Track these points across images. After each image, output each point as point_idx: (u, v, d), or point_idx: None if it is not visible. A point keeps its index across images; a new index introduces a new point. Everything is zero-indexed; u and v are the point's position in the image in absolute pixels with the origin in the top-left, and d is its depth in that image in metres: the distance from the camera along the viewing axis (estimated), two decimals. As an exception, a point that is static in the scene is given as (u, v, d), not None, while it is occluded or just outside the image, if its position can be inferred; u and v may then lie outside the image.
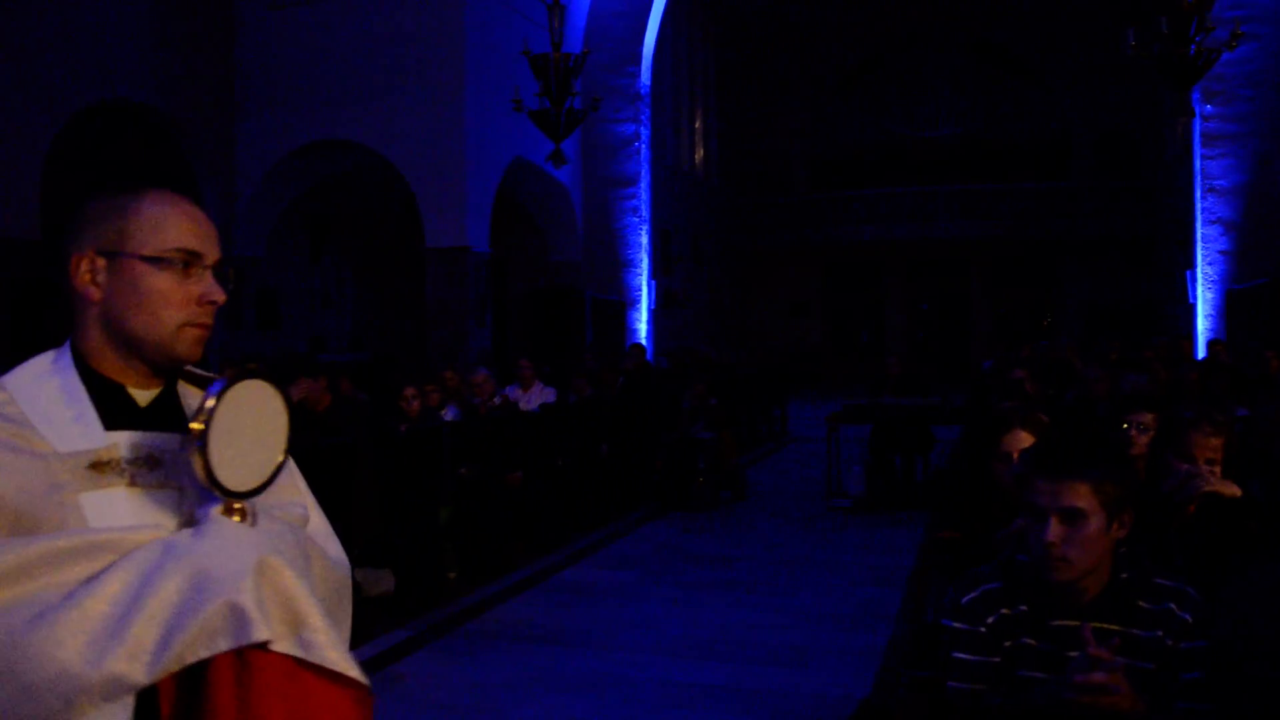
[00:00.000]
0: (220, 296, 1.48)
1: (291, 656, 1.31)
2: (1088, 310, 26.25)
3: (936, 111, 27.43)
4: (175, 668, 1.25)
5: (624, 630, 6.13)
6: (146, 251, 1.44)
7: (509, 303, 18.84)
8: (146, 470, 1.44)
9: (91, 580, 1.26)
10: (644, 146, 18.47)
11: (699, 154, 25.05)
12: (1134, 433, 3.82)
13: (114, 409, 1.46)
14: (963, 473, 4.08)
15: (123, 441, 1.44)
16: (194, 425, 1.31)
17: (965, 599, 2.26)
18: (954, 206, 26.35)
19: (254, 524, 1.37)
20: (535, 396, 9.64)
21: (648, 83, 18.63)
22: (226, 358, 12.61)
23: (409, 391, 7.53)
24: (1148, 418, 3.82)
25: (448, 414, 8.14)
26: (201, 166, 14.46)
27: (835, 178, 28.12)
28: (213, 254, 1.49)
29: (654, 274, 19.08)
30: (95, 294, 1.45)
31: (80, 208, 1.49)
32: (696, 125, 24.82)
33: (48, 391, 1.43)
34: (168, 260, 1.45)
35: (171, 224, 1.46)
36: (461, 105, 14.00)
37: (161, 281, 1.44)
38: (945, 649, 2.28)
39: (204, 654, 1.26)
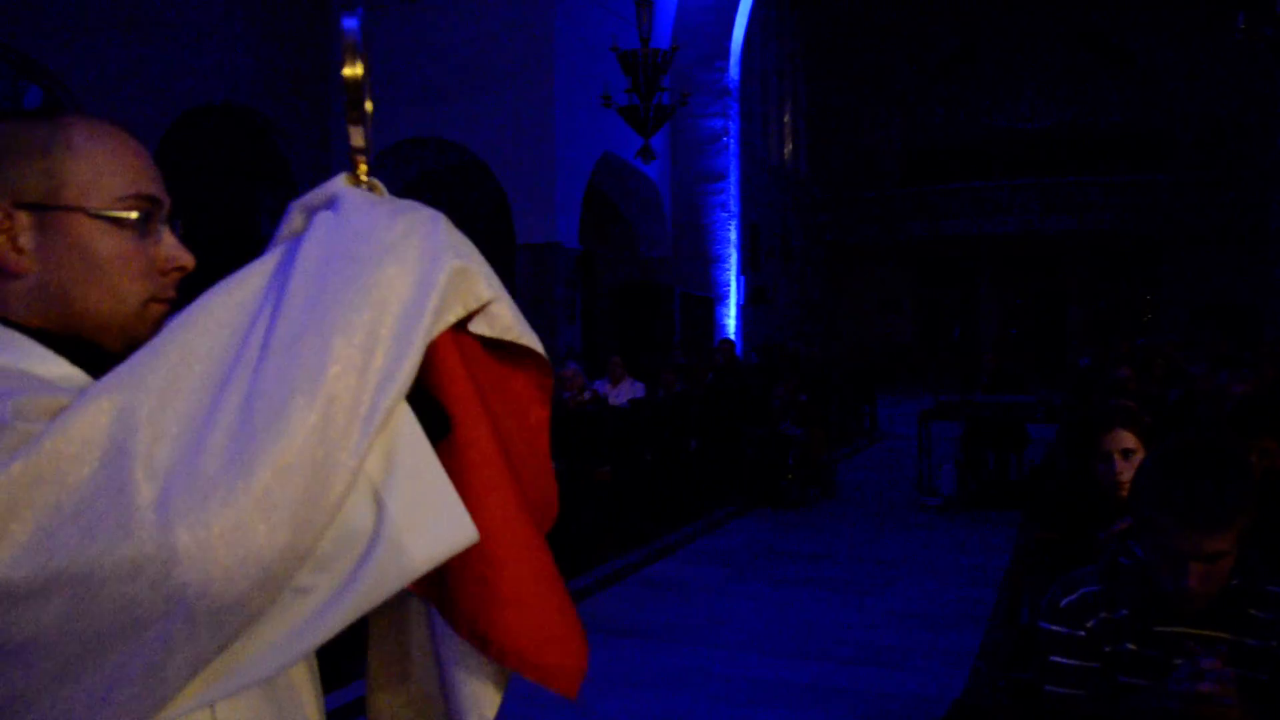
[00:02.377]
0: (189, 260, 1.11)
1: (479, 335, 1.09)
2: (1190, 307, 25.43)
3: (1031, 102, 26.85)
4: (420, 356, 0.96)
5: (711, 627, 6.13)
6: (94, 204, 1.04)
7: (598, 298, 18.92)
8: None
9: (268, 330, 0.92)
10: (732, 141, 18.40)
11: (788, 148, 24.88)
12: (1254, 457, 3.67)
13: (95, 368, 1.04)
14: (1061, 472, 3.99)
15: None
16: (352, 71, 1.06)
17: (1064, 601, 2.21)
18: (1048, 200, 25.77)
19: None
20: (624, 391, 9.68)
21: (736, 77, 18.55)
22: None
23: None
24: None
25: (538, 409, 8.21)
26: (299, 166, 14.78)
27: (927, 171, 27.70)
28: (167, 201, 1.11)
29: (743, 269, 19.00)
30: (20, 263, 1.03)
31: None
32: (785, 119, 24.64)
33: (6, 357, 1.01)
34: (124, 214, 1.06)
35: (120, 162, 1.07)
36: (551, 102, 14.09)
37: (117, 243, 1.05)
38: (1043, 652, 2.23)
39: (441, 328, 1.00)
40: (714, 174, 18.21)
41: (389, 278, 0.95)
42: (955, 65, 27.86)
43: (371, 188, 1.08)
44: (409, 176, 16.36)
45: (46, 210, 1.03)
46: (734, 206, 18.37)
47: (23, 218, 1.03)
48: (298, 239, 0.99)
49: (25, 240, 1.03)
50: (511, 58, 14.18)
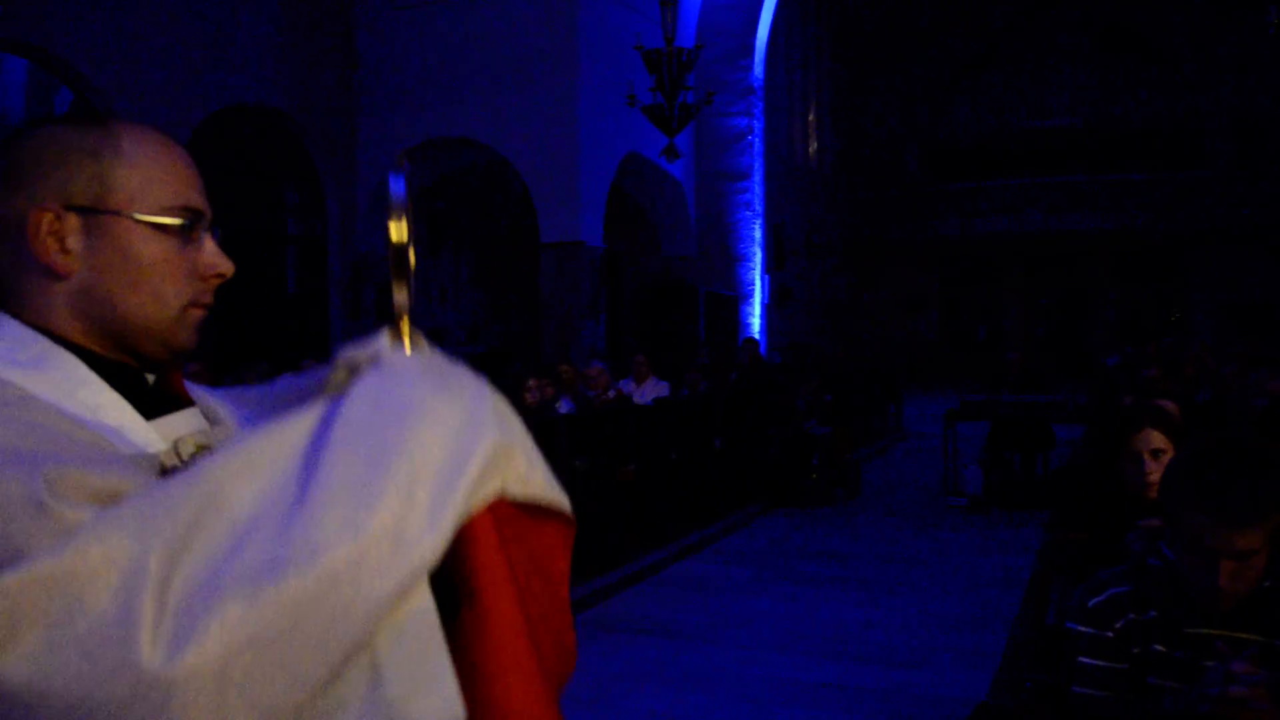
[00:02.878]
0: (229, 267, 1.14)
1: (508, 496, 1.06)
2: (1219, 306, 25.17)
3: (1057, 98, 26.64)
4: (454, 530, 0.95)
5: (736, 626, 6.12)
6: (141, 211, 1.07)
7: (622, 297, 18.92)
8: None
9: (305, 482, 0.90)
10: (757, 140, 18.36)
11: (812, 146, 24.81)
12: None
13: (137, 397, 1.10)
14: (1088, 472, 3.96)
15: (167, 435, 1.09)
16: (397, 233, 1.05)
17: (1092, 602, 2.20)
18: (1075, 198, 25.57)
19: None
20: (649, 390, 9.68)
21: (761, 76, 18.51)
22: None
23: (532, 382, 7.63)
24: None
25: (562, 407, 8.23)
26: (325, 165, 14.87)
27: (953, 169, 27.55)
28: (209, 211, 1.15)
29: (767, 268, 18.96)
30: (67, 265, 1.05)
31: (16, 145, 1.07)
32: (810, 118, 24.57)
33: (49, 383, 1.03)
34: (167, 222, 1.08)
35: (168, 172, 1.10)
36: (575, 101, 14.11)
37: (161, 249, 1.08)
38: (1070, 653, 2.22)
39: (477, 505, 0.99)
40: (739, 172, 18.17)
41: (428, 450, 0.94)
42: (980, 62, 27.69)
43: (414, 342, 1.08)
44: (434, 176, 16.43)
45: (95, 214, 1.05)
46: (758, 205, 18.34)
47: (72, 220, 1.04)
48: (338, 399, 0.98)
49: (73, 242, 1.05)
50: (536, 57, 14.20)
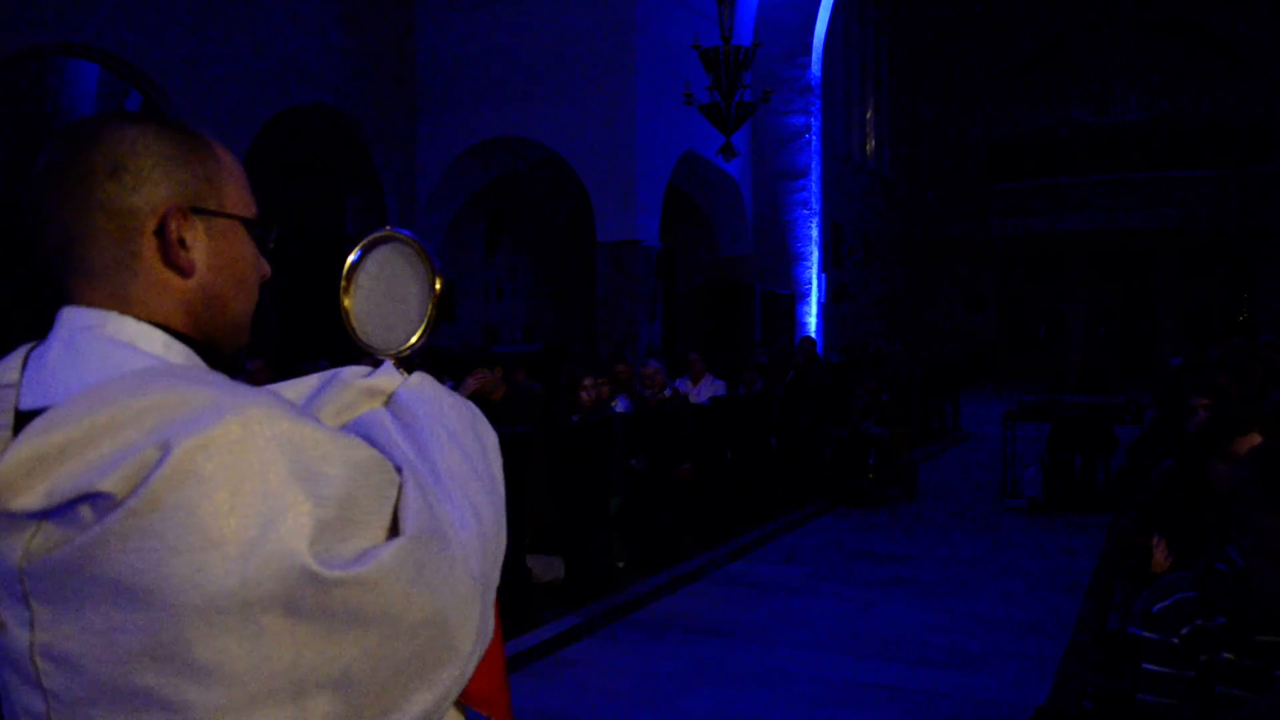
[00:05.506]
0: (269, 271, 1.18)
1: None
2: (1289, 305, 24.60)
3: (1123, 95, 26.15)
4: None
5: (791, 626, 6.10)
6: (244, 211, 1.11)
7: (678, 295, 18.92)
8: None
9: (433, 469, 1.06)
10: (814, 138, 18.26)
11: (870, 144, 24.61)
12: None
13: None
14: (1165, 474, 3.87)
15: None
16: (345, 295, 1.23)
17: (1157, 607, 2.16)
18: (1138, 195, 25.10)
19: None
20: (705, 389, 9.67)
21: (818, 74, 18.40)
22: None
23: (588, 381, 7.65)
24: None
25: (618, 406, 8.24)
26: (384, 165, 15.04)
27: (1014, 167, 27.19)
28: None
29: (824, 267, 18.85)
30: (190, 263, 1.06)
31: (111, 139, 1.04)
32: (868, 115, 24.38)
33: None
34: (262, 229, 1.14)
35: (245, 182, 1.14)
36: (633, 100, 14.13)
37: (254, 254, 1.13)
38: (1134, 660, 2.18)
39: None
40: (795, 171, 18.09)
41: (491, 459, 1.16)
42: (1041, 58, 27.27)
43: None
44: (491, 176, 16.54)
45: (214, 216, 1.07)
46: (815, 204, 18.24)
47: (195, 220, 1.06)
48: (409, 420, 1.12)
49: (194, 241, 1.06)
50: (593, 56, 14.24)
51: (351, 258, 1.22)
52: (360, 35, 14.30)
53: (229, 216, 1.08)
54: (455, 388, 7.60)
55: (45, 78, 12.90)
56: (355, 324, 1.22)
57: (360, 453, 0.95)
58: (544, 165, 16.00)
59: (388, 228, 1.24)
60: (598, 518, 6.89)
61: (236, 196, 1.10)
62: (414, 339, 1.21)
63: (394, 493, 0.96)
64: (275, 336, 13.81)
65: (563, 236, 19.51)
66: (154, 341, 1.03)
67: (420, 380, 1.16)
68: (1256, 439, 3.07)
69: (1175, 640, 2.11)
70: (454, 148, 15.27)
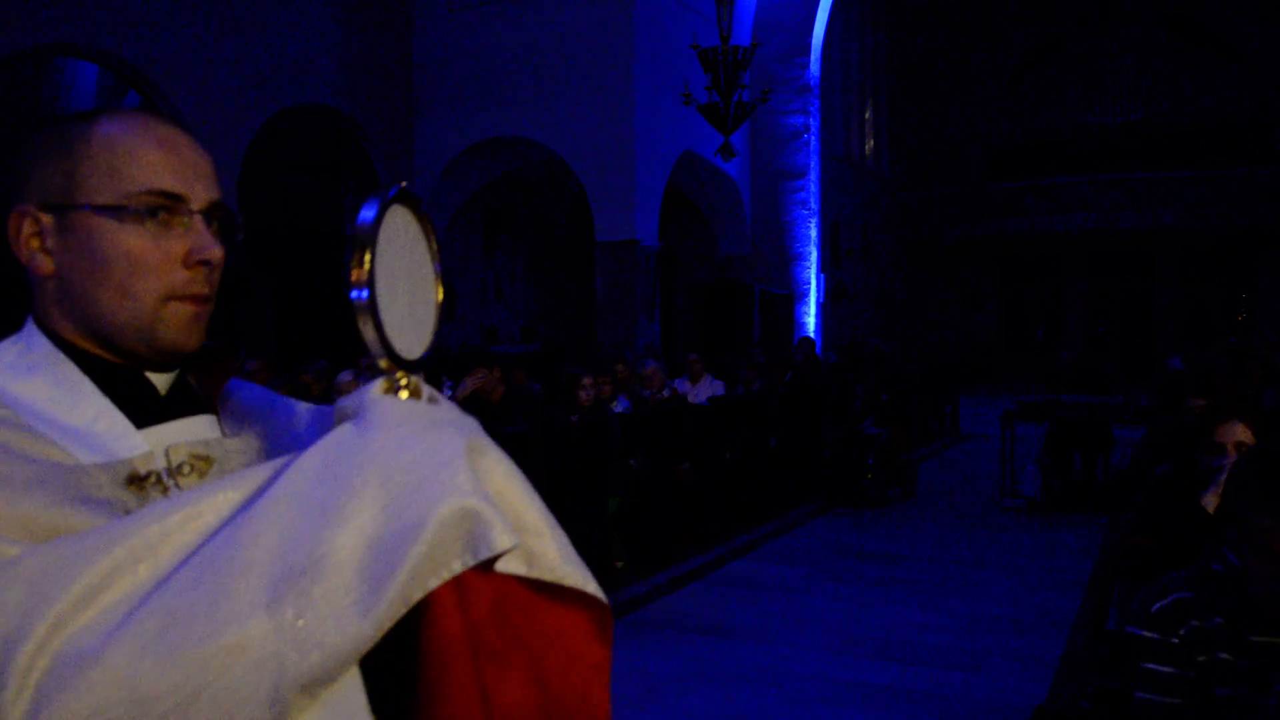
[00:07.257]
0: (214, 252, 1.05)
1: (516, 575, 0.95)
2: (1288, 306, 24.59)
3: (1121, 94, 26.13)
4: (397, 615, 0.85)
5: (790, 626, 6.10)
6: (102, 199, 1.01)
7: (677, 296, 18.91)
8: (197, 477, 1.04)
9: (227, 543, 0.85)
10: (813, 138, 18.26)
11: (869, 144, 24.61)
12: None
13: (133, 401, 1.05)
14: (1157, 475, 3.89)
15: (160, 442, 1.04)
16: (357, 271, 0.95)
17: (1155, 607, 2.16)
18: (1137, 195, 25.07)
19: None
20: (704, 389, 9.68)
21: (817, 73, 18.40)
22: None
23: (587, 381, 7.66)
24: None
25: (618, 406, 8.25)
26: (382, 164, 15.04)
27: (1012, 167, 27.16)
28: (201, 195, 1.05)
29: (823, 267, 18.86)
30: (46, 264, 1.03)
31: (23, 148, 1.06)
32: (867, 115, 24.38)
33: (36, 388, 1.01)
34: (132, 209, 1.01)
35: (136, 156, 1.02)
36: (631, 100, 14.13)
37: (128, 239, 1.01)
38: (1133, 659, 2.18)
39: (433, 584, 0.86)
40: (794, 171, 18.09)
41: (364, 518, 0.85)
42: (1042, 58, 27.25)
43: (409, 387, 0.97)
44: (490, 176, 16.54)
45: (63, 210, 1.02)
46: (814, 204, 18.24)
47: (46, 219, 1.03)
48: (295, 456, 0.91)
49: (50, 242, 1.03)
50: (592, 56, 14.25)
51: (366, 215, 0.96)
52: (359, 35, 14.31)
53: (76, 208, 1.01)
54: (454, 388, 7.61)
55: (45, 78, 12.90)
56: (381, 318, 0.96)
57: None
58: (543, 165, 16.01)
59: (403, 184, 1.01)
60: (597, 517, 6.90)
61: (100, 182, 1.01)
62: (427, 345, 1.02)
63: None
64: (274, 336, 13.82)
65: (561, 237, 19.52)
66: (35, 352, 1.04)
67: None
68: (1239, 428, 3.07)
69: (1174, 640, 2.11)
70: (453, 148, 15.27)
